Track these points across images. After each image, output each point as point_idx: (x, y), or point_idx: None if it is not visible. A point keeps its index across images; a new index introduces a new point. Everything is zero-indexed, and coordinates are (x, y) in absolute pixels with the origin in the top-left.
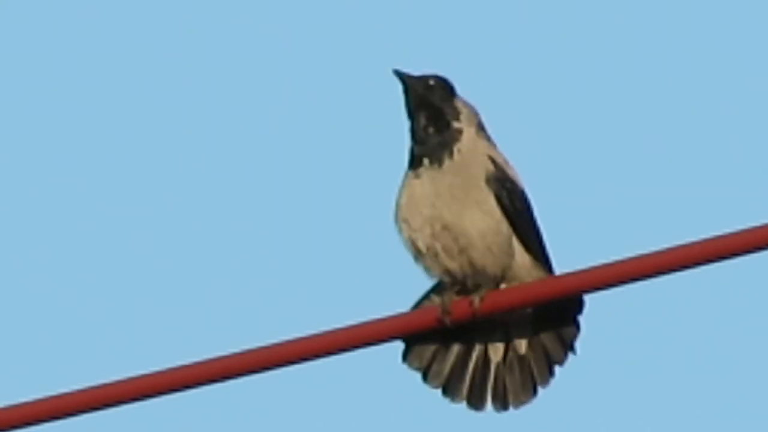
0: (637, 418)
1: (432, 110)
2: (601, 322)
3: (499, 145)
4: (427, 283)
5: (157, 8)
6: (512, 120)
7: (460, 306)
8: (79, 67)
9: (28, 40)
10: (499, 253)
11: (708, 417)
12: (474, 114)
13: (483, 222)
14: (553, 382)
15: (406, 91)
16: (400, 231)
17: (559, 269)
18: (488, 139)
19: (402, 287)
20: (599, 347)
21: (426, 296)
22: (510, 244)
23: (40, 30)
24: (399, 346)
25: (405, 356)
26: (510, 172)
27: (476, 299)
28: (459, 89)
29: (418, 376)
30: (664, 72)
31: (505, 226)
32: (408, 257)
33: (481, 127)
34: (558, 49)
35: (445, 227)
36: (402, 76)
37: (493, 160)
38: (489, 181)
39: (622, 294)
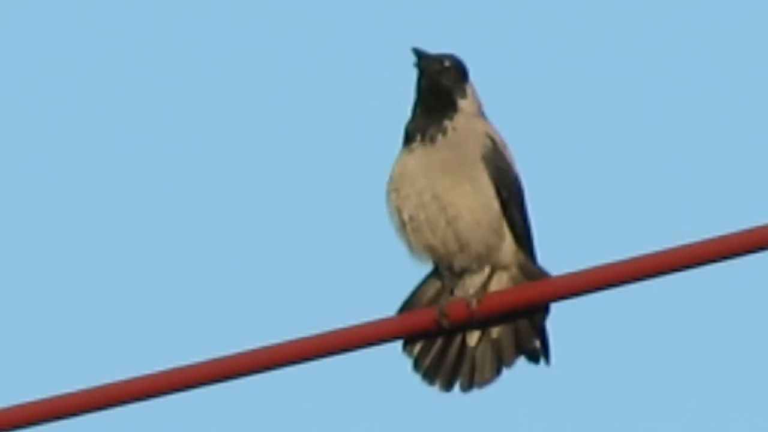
0: (630, 419)
1: (440, 91)
2: (597, 324)
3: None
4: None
5: (157, 8)
6: (511, 120)
7: (457, 308)
8: (79, 67)
9: (28, 40)
10: (487, 229)
11: (708, 416)
12: (479, 100)
13: (473, 196)
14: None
15: (420, 69)
16: (388, 200)
17: (554, 272)
18: (489, 121)
19: (402, 289)
20: (594, 348)
21: (415, 292)
22: (499, 224)
23: (40, 30)
24: (398, 346)
25: (404, 346)
26: (507, 154)
27: (473, 301)
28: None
29: (409, 364)
30: (663, 72)
31: (495, 204)
32: (405, 257)
33: (482, 111)
34: (557, 50)
35: (435, 197)
36: (419, 54)
37: (491, 139)
38: (485, 158)
39: (619, 296)
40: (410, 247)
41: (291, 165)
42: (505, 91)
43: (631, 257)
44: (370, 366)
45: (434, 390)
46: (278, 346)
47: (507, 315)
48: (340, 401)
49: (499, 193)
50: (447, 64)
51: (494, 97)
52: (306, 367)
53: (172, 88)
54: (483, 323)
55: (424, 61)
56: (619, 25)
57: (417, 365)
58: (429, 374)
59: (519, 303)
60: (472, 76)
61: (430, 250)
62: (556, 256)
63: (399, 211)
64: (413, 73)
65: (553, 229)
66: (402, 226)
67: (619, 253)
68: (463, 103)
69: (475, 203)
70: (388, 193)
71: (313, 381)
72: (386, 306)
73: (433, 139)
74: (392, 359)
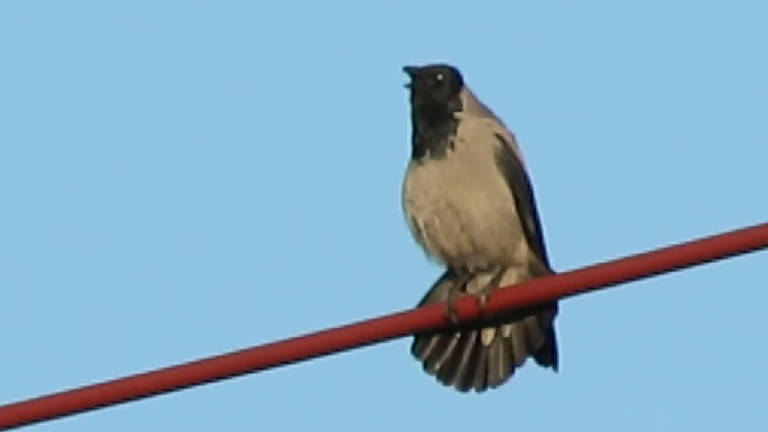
0: (633, 418)
1: (436, 107)
2: (604, 321)
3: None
4: (434, 277)
5: (157, 8)
6: (512, 118)
7: (466, 304)
8: (79, 67)
9: (28, 40)
10: (501, 234)
11: (708, 416)
12: (478, 101)
13: (488, 202)
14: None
15: (412, 87)
16: (404, 212)
17: (561, 269)
18: (493, 115)
19: (410, 284)
20: (599, 345)
21: (433, 289)
22: (515, 226)
23: (40, 30)
24: (406, 343)
25: (413, 348)
26: (517, 150)
27: (483, 297)
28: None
29: (419, 366)
30: (662, 72)
31: (511, 207)
32: (415, 252)
33: (485, 108)
34: (556, 51)
35: (449, 205)
36: (412, 72)
37: (500, 138)
38: (498, 160)
39: (628, 292)
40: (426, 252)
41: (295, 165)
42: (505, 87)
43: (639, 253)
44: (377, 364)
45: (449, 390)
46: (285, 343)
47: (516, 313)
48: (347, 399)
49: (514, 193)
50: (440, 77)
51: (495, 95)
52: (311, 365)
53: (173, 88)
54: (494, 320)
55: (417, 80)
56: (619, 24)
57: (428, 366)
58: (444, 375)
59: (529, 298)
60: (475, 73)
61: (445, 255)
62: (562, 253)
63: (414, 220)
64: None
65: (560, 226)
66: (418, 233)
67: (628, 249)
68: (463, 112)
69: (490, 209)
70: (403, 203)
71: (319, 379)
72: (395, 303)
73: (443, 153)
74: (400, 356)
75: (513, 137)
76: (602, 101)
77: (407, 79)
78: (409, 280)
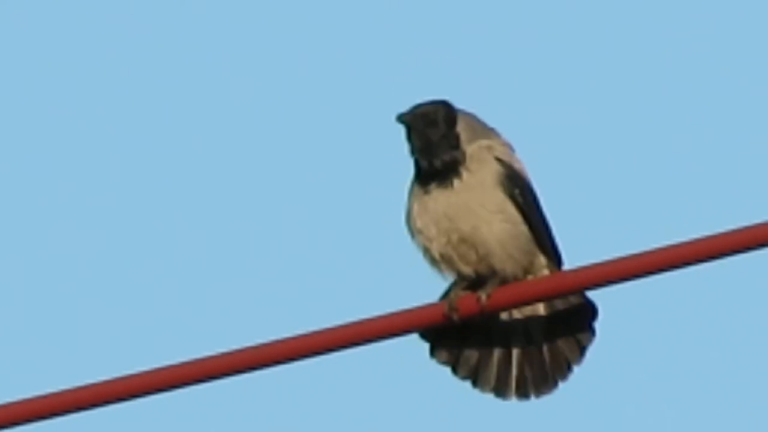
0: (643, 416)
1: (435, 144)
2: (605, 321)
3: (502, 133)
4: (436, 275)
5: (157, 8)
6: (510, 119)
7: (467, 302)
8: (79, 67)
9: (28, 40)
10: (520, 256)
11: (709, 415)
12: (472, 124)
13: (501, 229)
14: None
15: (409, 132)
16: (414, 239)
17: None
18: (490, 135)
19: (411, 283)
20: (601, 344)
21: (451, 287)
22: (529, 244)
23: (41, 30)
24: (407, 341)
25: (432, 352)
26: (517, 167)
27: (483, 296)
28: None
29: (447, 369)
30: (662, 72)
31: (524, 227)
32: (418, 258)
33: (480, 129)
34: (556, 51)
35: (463, 240)
36: (405, 121)
37: (500, 160)
38: (503, 185)
39: (627, 291)
40: (442, 275)
41: (298, 167)
42: (507, 87)
43: (643, 251)
44: (378, 361)
45: (481, 394)
46: (289, 340)
47: (551, 331)
48: (348, 396)
49: (523, 214)
50: (433, 117)
51: (496, 93)
52: (313, 363)
53: (173, 88)
54: (526, 336)
55: (412, 125)
56: (620, 24)
57: (457, 370)
58: (481, 382)
59: (530, 297)
60: (478, 72)
61: (465, 278)
62: (564, 251)
63: (428, 251)
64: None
65: (563, 225)
66: (434, 262)
67: (630, 248)
68: (462, 141)
69: (504, 236)
70: (411, 231)
71: (320, 377)
72: (398, 302)
73: (449, 184)
74: (401, 354)
75: (511, 149)
76: (602, 101)
77: (401, 124)
78: (409, 279)
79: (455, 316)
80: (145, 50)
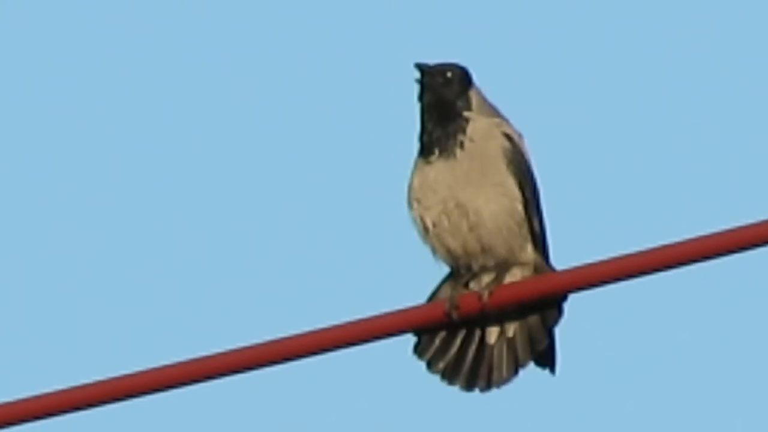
0: (631, 417)
1: (445, 104)
2: (606, 318)
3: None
4: (439, 274)
5: (157, 8)
6: (514, 117)
7: (468, 300)
8: (79, 67)
9: (28, 40)
10: (509, 233)
11: (704, 416)
12: (487, 100)
13: (497, 202)
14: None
15: (422, 83)
16: (410, 210)
17: (560, 265)
18: (501, 115)
19: (412, 282)
20: (597, 344)
21: (439, 287)
22: (522, 226)
23: (40, 30)
24: (407, 339)
25: (416, 348)
26: (525, 151)
27: (485, 294)
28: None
29: (423, 365)
30: (662, 72)
31: (520, 207)
32: (418, 248)
33: (493, 107)
34: (562, 46)
35: (459, 205)
36: (422, 69)
37: (509, 137)
38: (507, 159)
39: (628, 290)
40: (433, 251)
41: (299, 162)
42: (509, 86)
43: (639, 251)
44: (379, 361)
45: (453, 389)
46: (286, 340)
47: (520, 312)
48: (348, 396)
49: (522, 193)
50: (449, 75)
51: (498, 93)
52: (312, 362)
53: (174, 88)
54: (498, 319)
55: (427, 76)
56: (620, 23)
57: (431, 365)
58: (448, 374)
59: (531, 295)
60: (480, 70)
61: (451, 254)
62: (562, 250)
63: (422, 219)
64: (417, 82)
65: (560, 224)
66: (425, 232)
67: (628, 247)
68: (472, 111)
69: (499, 209)
70: (410, 202)
71: (324, 376)
72: (398, 300)
73: (452, 153)
74: (401, 353)
75: (521, 136)
76: (602, 101)
77: (417, 74)
78: (410, 277)
79: (456, 315)
80: (145, 50)
